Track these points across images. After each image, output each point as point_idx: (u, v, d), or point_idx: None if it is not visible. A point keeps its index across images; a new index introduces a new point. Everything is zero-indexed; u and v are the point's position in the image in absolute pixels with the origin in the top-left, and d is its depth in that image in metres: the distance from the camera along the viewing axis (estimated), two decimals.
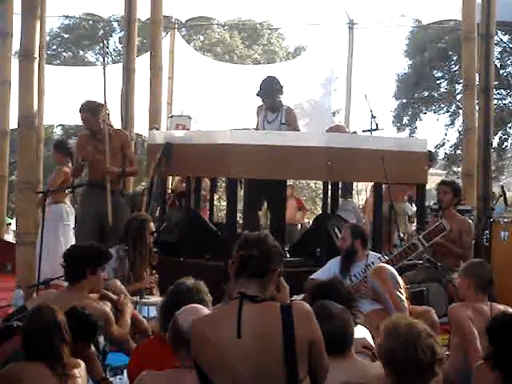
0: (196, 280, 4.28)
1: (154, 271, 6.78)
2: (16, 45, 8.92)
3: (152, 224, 6.91)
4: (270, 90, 8.46)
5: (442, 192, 8.01)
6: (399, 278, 5.93)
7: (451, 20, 16.69)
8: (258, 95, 8.52)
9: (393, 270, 6.05)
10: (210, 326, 3.26)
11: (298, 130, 8.64)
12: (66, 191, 9.15)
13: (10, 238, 11.99)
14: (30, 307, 4.62)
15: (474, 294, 5.16)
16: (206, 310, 3.75)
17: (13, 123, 9.51)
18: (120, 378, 4.78)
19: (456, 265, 7.73)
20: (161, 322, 4.25)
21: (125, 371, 4.66)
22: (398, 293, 5.79)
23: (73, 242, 8.95)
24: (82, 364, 4.08)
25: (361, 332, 4.35)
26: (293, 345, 3.13)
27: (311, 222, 12.82)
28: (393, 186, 8.21)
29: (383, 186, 8.09)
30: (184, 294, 4.12)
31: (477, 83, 10.15)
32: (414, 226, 9.17)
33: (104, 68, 8.34)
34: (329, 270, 6.65)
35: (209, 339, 3.21)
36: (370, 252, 6.80)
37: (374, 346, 4.14)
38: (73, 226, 9.13)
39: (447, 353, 4.92)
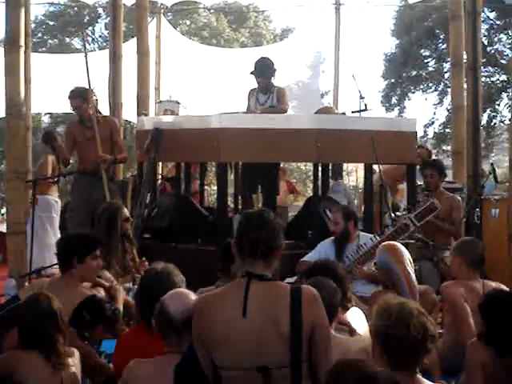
0: (166, 263, 4.27)
1: (143, 258, 6.75)
2: (1, 33, 8.87)
3: (125, 211, 6.84)
4: (265, 69, 8.44)
5: (429, 175, 8.02)
6: (411, 258, 5.90)
7: None
8: (252, 73, 8.48)
9: (404, 248, 6.00)
10: (216, 302, 3.30)
11: (287, 107, 8.59)
12: (54, 181, 9.13)
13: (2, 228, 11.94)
14: (23, 296, 4.60)
15: (467, 271, 5.18)
16: (192, 295, 3.74)
17: (0, 112, 9.45)
18: None
19: (447, 243, 7.75)
20: (137, 310, 4.25)
21: None
22: (410, 273, 5.76)
23: (58, 233, 8.96)
24: (77, 353, 4.08)
25: (355, 314, 4.36)
26: (300, 325, 3.16)
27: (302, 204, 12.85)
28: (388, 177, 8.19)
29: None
30: (154, 279, 4.13)
31: (464, 61, 10.14)
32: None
33: (86, 57, 8.28)
34: (319, 252, 6.65)
35: (214, 316, 3.24)
36: (361, 233, 6.82)
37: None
38: (58, 217, 9.13)
39: (440, 331, 4.95)
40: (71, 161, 8.93)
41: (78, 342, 4.38)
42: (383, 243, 6.15)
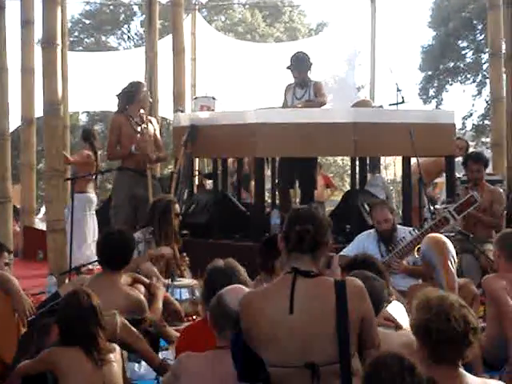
0: (227, 259, 4.28)
1: (184, 254, 6.77)
2: (38, 33, 8.93)
3: (177, 206, 6.89)
4: (302, 63, 8.43)
5: (475, 170, 7.87)
6: (455, 254, 5.83)
7: None
8: (288, 68, 8.47)
9: (450, 242, 5.94)
10: (263, 299, 3.29)
11: (326, 99, 8.56)
12: (92, 177, 9.19)
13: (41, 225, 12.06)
14: (63, 293, 4.63)
15: (508, 264, 5.11)
16: (248, 290, 3.74)
17: (38, 111, 9.53)
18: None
19: (488, 235, 7.66)
20: (204, 306, 4.23)
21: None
22: (451, 267, 5.70)
23: (96, 230, 9.03)
24: (118, 348, 4.10)
25: (396, 308, 4.33)
26: (346, 320, 3.15)
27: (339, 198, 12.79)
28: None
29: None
30: (220, 275, 4.12)
31: (503, 51, 10.00)
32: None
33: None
34: (358, 246, 6.60)
35: (261, 312, 3.23)
36: (399, 226, 6.76)
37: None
38: (94, 213, 9.19)
39: (482, 324, 4.89)
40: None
41: None
42: (430, 235, 6.08)
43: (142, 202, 7.85)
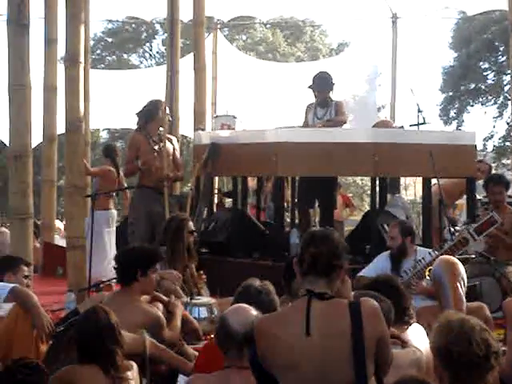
0: (263, 281, 4.27)
1: (201, 272, 6.76)
2: (61, 50, 9.00)
3: (191, 223, 6.89)
4: (324, 83, 8.43)
5: (497, 193, 7.82)
6: (465, 277, 5.80)
7: (497, 10, 16.43)
8: (310, 88, 8.48)
9: (461, 264, 5.91)
10: (278, 323, 3.26)
11: (346, 118, 8.54)
12: (113, 195, 9.22)
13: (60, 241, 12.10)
14: (82, 310, 4.64)
15: None
16: (253, 310, 3.73)
17: (60, 128, 9.59)
18: None
19: (509, 258, 7.59)
20: None
21: None
22: (461, 291, 5.66)
23: (115, 246, 9.04)
24: (135, 366, 4.10)
25: (417, 330, 4.30)
26: (362, 343, 3.12)
27: (359, 219, 12.75)
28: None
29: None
30: (254, 295, 4.11)
31: None
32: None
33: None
34: (376, 266, 6.58)
35: (277, 337, 3.20)
36: (419, 247, 6.73)
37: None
38: (114, 229, 9.20)
39: (503, 348, 4.83)
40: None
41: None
42: (442, 257, 6.06)
43: (159, 220, 7.86)
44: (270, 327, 3.25)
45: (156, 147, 8.17)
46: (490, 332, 3.32)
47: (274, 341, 3.19)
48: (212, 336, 5.44)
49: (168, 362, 4.76)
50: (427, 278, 6.37)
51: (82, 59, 7.46)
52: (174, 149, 8.39)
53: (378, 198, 8.49)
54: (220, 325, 3.68)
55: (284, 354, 3.17)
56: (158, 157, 8.13)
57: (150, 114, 8.24)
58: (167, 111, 8.48)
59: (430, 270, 6.20)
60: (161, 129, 8.30)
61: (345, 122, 8.53)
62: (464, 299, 5.68)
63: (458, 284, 5.66)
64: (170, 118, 8.73)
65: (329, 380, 3.11)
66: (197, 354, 4.77)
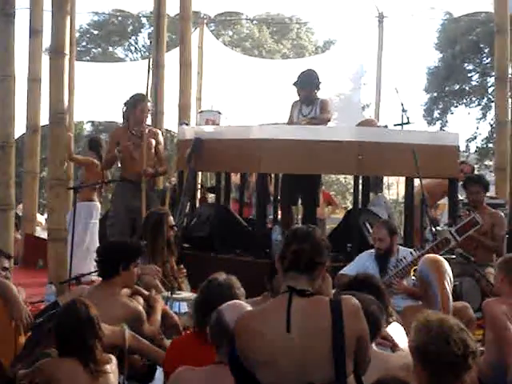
0: (228, 275, 4.27)
1: (181, 266, 6.76)
2: (46, 42, 8.96)
3: (171, 218, 6.88)
4: (308, 81, 8.41)
5: (475, 192, 7.90)
6: (451, 275, 5.82)
7: (482, 12, 16.48)
8: (294, 85, 8.47)
9: (447, 262, 5.93)
10: (258, 319, 3.25)
11: (330, 116, 8.55)
12: (96, 187, 9.19)
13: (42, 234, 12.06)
14: (62, 303, 4.63)
15: (509, 288, 5.09)
16: (249, 307, 3.73)
17: (43, 120, 9.55)
18: None
19: (488, 259, 7.65)
20: (195, 318, 4.23)
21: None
22: (448, 289, 5.69)
23: (97, 239, 9.02)
24: (114, 359, 4.09)
25: (395, 329, 4.31)
26: (342, 340, 3.11)
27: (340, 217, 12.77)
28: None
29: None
30: (216, 289, 4.12)
31: (509, 75, 10.02)
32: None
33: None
34: (358, 264, 6.59)
35: (257, 333, 3.19)
36: (400, 247, 6.76)
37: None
38: (98, 222, 9.18)
39: (481, 348, 4.86)
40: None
41: None
42: (427, 255, 6.07)
43: (138, 214, 7.85)
44: (250, 323, 3.25)
45: (134, 140, 8.15)
46: (468, 332, 3.34)
47: (254, 336, 3.19)
48: (189, 331, 5.46)
49: (147, 355, 4.76)
50: (412, 277, 6.39)
51: (67, 51, 7.42)
52: (157, 143, 8.37)
53: (360, 197, 8.51)
54: (215, 320, 3.67)
55: (264, 350, 3.17)
56: (136, 149, 8.10)
57: (129, 108, 8.24)
58: (149, 106, 8.45)
59: (415, 269, 6.22)
60: (149, 123, 8.30)
61: (328, 120, 8.53)
62: (451, 298, 5.71)
63: (445, 282, 5.69)
64: (149, 115, 8.66)
65: (308, 377, 3.12)
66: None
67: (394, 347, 4.09)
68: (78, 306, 4.03)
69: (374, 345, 3.79)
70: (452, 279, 5.80)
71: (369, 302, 3.89)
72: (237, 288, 4.17)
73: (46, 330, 4.52)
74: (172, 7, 11.58)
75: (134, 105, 8.19)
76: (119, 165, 8.64)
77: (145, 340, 4.77)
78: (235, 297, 4.06)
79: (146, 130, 8.18)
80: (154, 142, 8.29)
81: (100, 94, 14.40)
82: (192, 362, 3.74)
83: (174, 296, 6.11)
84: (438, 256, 6.01)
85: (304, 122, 8.30)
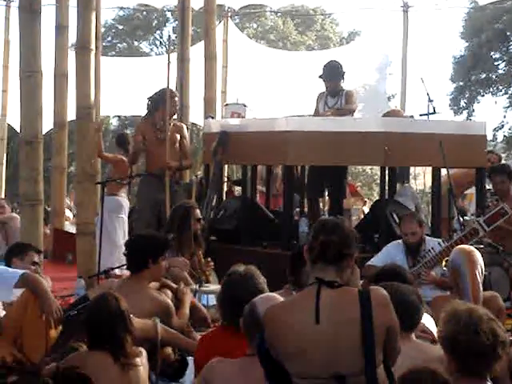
0: (247, 266, 4.28)
1: (208, 259, 6.79)
2: (72, 37, 9.02)
3: (198, 211, 6.91)
4: (334, 72, 8.40)
5: (499, 182, 7.86)
6: (483, 265, 5.80)
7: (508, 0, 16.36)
8: (320, 77, 8.46)
9: (479, 254, 5.92)
10: (287, 311, 3.27)
11: (355, 107, 8.53)
12: (124, 182, 9.24)
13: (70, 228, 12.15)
14: (92, 297, 4.67)
15: None
16: (281, 299, 3.74)
17: (71, 115, 9.62)
18: None
19: None
20: (222, 312, 4.25)
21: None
22: (479, 280, 5.67)
23: (126, 234, 9.07)
24: (144, 352, 4.12)
25: (426, 320, 4.31)
26: (371, 331, 3.12)
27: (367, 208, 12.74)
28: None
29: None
30: (238, 282, 4.13)
31: None
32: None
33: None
34: (386, 255, 6.58)
35: (286, 325, 3.21)
36: (427, 237, 6.73)
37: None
38: (126, 218, 9.23)
39: (511, 338, 4.84)
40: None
41: None
42: (460, 246, 6.06)
43: (164, 208, 7.89)
44: (279, 314, 3.27)
45: (160, 136, 8.19)
46: (497, 322, 3.34)
47: (283, 328, 3.21)
48: (217, 324, 5.49)
49: (179, 346, 4.81)
50: (443, 268, 6.38)
51: (93, 46, 7.49)
52: (182, 137, 8.39)
53: (387, 188, 8.49)
54: (248, 312, 3.69)
55: (293, 341, 3.18)
56: (161, 144, 8.13)
57: (156, 103, 8.27)
58: (176, 101, 8.47)
59: (446, 260, 6.20)
60: (174, 117, 8.35)
61: (353, 111, 8.50)
62: (481, 288, 5.69)
63: (477, 272, 5.67)
64: (177, 111, 8.69)
65: (337, 367, 3.13)
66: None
67: (433, 340, 4.08)
68: (108, 299, 4.06)
69: (413, 335, 3.81)
70: (483, 269, 5.79)
71: (409, 291, 3.90)
72: (258, 277, 4.18)
73: (77, 323, 4.55)
74: (196, 1, 11.61)
75: (162, 100, 8.19)
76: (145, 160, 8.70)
77: (176, 331, 4.81)
78: (258, 287, 4.08)
79: (171, 124, 8.21)
80: (178, 136, 8.32)
81: (126, 89, 14.46)
82: (222, 355, 3.76)
83: (201, 289, 6.15)
84: (471, 247, 5.99)
85: (329, 113, 8.29)
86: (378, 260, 6.51)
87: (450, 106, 28.21)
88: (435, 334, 4.07)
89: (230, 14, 15.64)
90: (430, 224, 8.14)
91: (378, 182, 9.60)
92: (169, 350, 4.89)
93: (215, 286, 6.32)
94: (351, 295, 3.22)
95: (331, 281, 3.23)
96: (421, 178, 15.55)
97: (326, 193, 8.78)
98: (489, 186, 8.76)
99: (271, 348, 3.23)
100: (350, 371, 3.12)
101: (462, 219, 7.51)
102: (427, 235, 6.88)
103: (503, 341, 3.28)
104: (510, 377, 4.13)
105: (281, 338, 3.21)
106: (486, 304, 5.45)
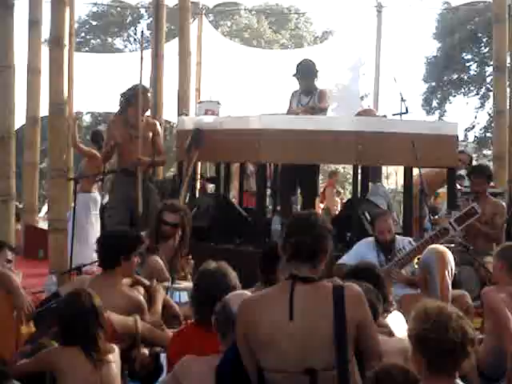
0: (218, 262, 4.28)
1: (189, 256, 6.78)
2: (46, 32, 8.96)
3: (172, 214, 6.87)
4: (308, 71, 8.43)
5: (478, 183, 7.92)
6: (453, 266, 5.87)
7: (480, 1, 16.48)
8: (294, 76, 8.49)
9: (451, 254, 5.98)
10: (261, 305, 3.30)
11: (327, 105, 8.56)
12: (96, 179, 9.21)
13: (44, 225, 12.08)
14: (64, 293, 4.65)
15: (508, 277, 5.12)
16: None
17: (43, 111, 9.57)
18: None
19: (488, 248, 7.67)
20: (194, 309, 4.26)
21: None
22: (448, 280, 5.74)
23: (99, 230, 9.03)
24: (116, 349, 4.12)
25: (396, 318, 4.34)
26: (343, 326, 3.15)
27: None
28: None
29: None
30: (210, 278, 4.13)
31: (508, 65, 10.03)
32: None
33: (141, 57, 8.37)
34: (357, 253, 6.61)
35: (261, 318, 3.24)
36: (398, 236, 6.78)
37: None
38: (99, 214, 9.19)
39: (480, 336, 4.90)
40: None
41: None
42: (433, 245, 6.12)
43: (137, 205, 7.85)
44: (253, 307, 3.30)
45: (132, 132, 8.13)
46: (466, 320, 3.37)
47: (257, 320, 3.24)
48: (190, 321, 5.49)
49: (158, 340, 4.79)
50: (414, 266, 6.44)
51: (66, 42, 7.43)
52: (155, 133, 8.33)
53: (359, 187, 8.53)
54: (221, 310, 3.69)
55: (266, 333, 3.21)
56: (133, 141, 8.07)
57: (129, 99, 8.20)
58: (149, 97, 8.43)
59: (418, 258, 6.26)
60: (147, 113, 8.30)
61: (325, 109, 8.53)
62: (450, 287, 5.76)
63: (446, 272, 5.73)
64: (150, 107, 8.64)
65: (308, 362, 3.15)
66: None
67: (390, 335, 4.12)
68: (81, 295, 4.06)
69: None
70: (453, 270, 5.86)
71: (366, 290, 3.93)
72: (230, 273, 4.19)
73: (49, 319, 4.54)
74: None
75: (135, 96, 8.13)
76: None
77: (153, 327, 4.81)
78: (230, 283, 4.09)
79: (144, 121, 8.17)
80: (151, 133, 8.25)
81: (99, 85, 14.38)
82: (195, 352, 3.76)
83: (174, 286, 6.13)
84: (443, 247, 6.06)
85: (300, 110, 8.33)
86: (349, 258, 6.53)
87: (422, 105, 28.46)
88: (405, 333, 4.12)
89: (204, 12, 15.62)
90: (401, 223, 8.20)
91: (351, 181, 9.65)
92: (145, 350, 4.87)
93: (188, 284, 6.31)
94: (325, 291, 3.24)
95: (305, 276, 3.26)
96: (393, 178, 15.65)
97: (299, 191, 8.81)
98: (459, 186, 8.84)
99: (243, 338, 3.26)
100: (322, 366, 3.15)
101: (432, 218, 7.57)
102: (398, 234, 6.92)
103: (472, 338, 3.31)
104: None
105: (254, 329, 3.24)
106: (455, 302, 5.51)
